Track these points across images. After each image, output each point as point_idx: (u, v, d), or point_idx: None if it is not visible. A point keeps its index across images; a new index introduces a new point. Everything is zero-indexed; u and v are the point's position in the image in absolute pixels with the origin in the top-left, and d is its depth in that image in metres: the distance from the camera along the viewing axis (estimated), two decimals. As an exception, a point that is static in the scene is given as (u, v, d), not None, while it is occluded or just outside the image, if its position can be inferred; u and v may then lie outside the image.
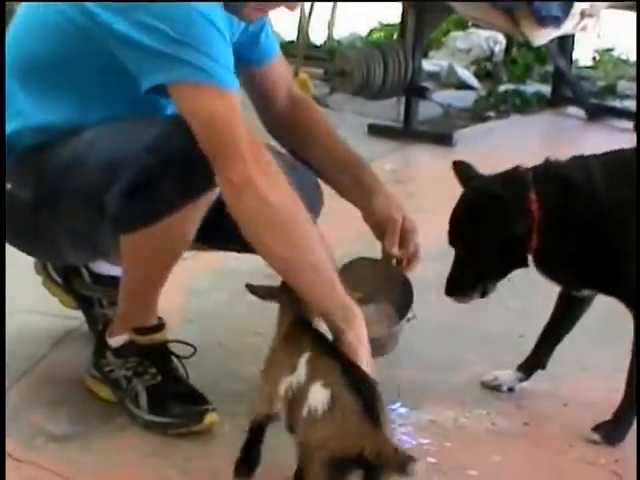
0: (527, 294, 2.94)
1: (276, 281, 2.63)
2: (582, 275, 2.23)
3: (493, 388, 2.44)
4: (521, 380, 2.44)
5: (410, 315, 2.20)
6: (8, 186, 2.17)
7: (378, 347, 2.27)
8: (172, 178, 2.02)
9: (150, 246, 2.10)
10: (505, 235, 2.18)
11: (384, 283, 2.27)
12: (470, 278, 2.25)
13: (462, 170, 2.29)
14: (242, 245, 2.01)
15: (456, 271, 2.26)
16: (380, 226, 2.27)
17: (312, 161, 2.37)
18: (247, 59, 2.31)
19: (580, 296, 2.32)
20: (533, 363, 2.45)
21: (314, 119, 2.41)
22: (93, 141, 2.09)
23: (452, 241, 2.27)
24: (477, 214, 2.20)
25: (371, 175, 2.34)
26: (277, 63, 2.38)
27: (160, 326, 2.26)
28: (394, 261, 2.28)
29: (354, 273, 2.24)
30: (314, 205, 2.35)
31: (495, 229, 2.18)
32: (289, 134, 2.40)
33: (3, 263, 2.15)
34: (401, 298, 2.25)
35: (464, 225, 2.23)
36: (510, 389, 2.43)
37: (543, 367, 2.44)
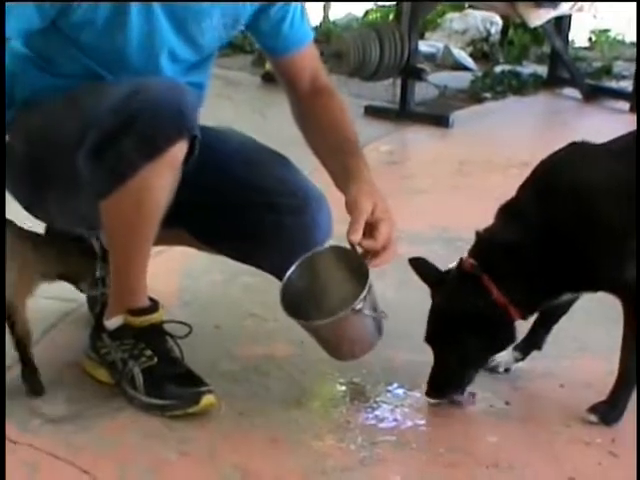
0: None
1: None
2: (573, 287, 2.25)
3: (490, 370, 2.44)
4: (517, 360, 2.44)
5: (358, 306, 2.06)
6: (7, 138, 2.22)
7: (327, 343, 2.21)
8: (132, 137, 2.04)
9: (123, 213, 2.12)
10: (486, 336, 2.22)
11: (353, 277, 2.15)
12: (456, 378, 2.27)
13: (420, 268, 2.30)
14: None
15: (440, 374, 2.27)
16: (351, 214, 2.15)
17: (315, 150, 2.36)
18: (269, 48, 2.37)
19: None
20: (529, 343, 2.45)
21: (328, 107, 2.37)
22: (70, 102, 2.14)
23: (430, 341, 2.28)
24: (452, 325, 2.22)
25: (356, 162, 2.24)
26: (304, 52, 2.38)
27: (154, 307, 2.26)
28: (369, 255, 2.12)
29: (323, 265, 2.19)
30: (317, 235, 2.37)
31: (474, 335, 2.21)
32: (305, 122, 2.39)
33: (3, 252, 2.14)
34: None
35: (443, 331, 2.24)
36: (507, 369, 2.43)
37: (539, 347, 2.45)
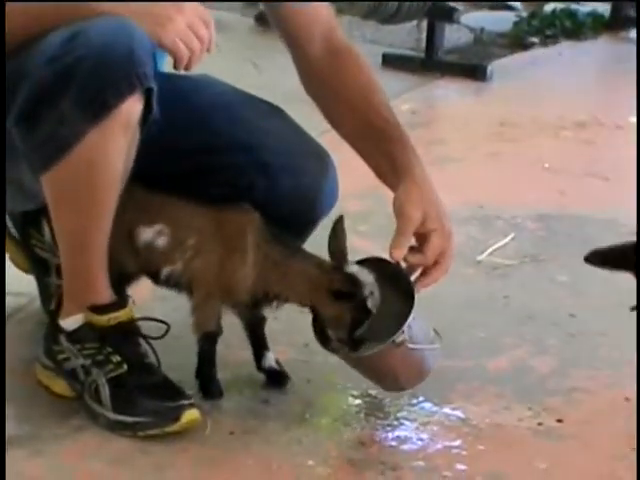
0: (578, 265, 2.91)
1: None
2: None
3: None
4: None
5: (399, 339, 2.15)
6: None
7: (368, 374, 2.29)
8: (72, 93, 2.04)
9: (70, 188, 2.12)
10: None
11: (399, 297, 2.21)
12: None
13: None
14: None
15: None
16: (396, 221, 2.20)
17: (341, 129, 2.38)
18: None
19: None
20: None
21: (351, 75, 2.39)
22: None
23: None
24: None
25: (403, 151, 2.29)
26: (310, 3, 2.38)
27: (122, 302, 2.26)
28: (417, 271, 2.20)
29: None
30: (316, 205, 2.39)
31: None
32: (319, 91, 2.40)
33: (3, 252, 2.14)
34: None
35: None
36: None
37: None
